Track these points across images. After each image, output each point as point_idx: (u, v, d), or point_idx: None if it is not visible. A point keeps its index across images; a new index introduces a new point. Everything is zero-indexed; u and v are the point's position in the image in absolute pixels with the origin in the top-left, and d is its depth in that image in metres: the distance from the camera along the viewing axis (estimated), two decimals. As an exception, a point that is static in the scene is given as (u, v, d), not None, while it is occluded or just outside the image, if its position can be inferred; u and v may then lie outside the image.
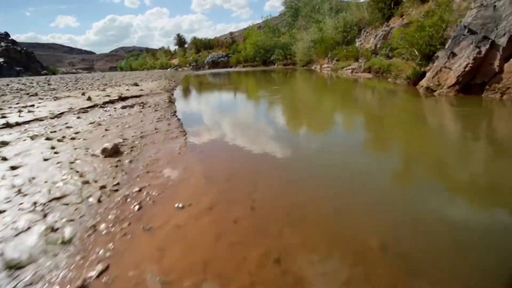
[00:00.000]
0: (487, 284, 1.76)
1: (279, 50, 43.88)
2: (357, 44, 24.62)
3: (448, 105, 7.34)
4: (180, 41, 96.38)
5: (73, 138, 5.03)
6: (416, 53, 11.12)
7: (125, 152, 4.27)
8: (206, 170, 3.63)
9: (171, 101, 8.06)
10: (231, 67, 55.40)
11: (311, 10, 36.41)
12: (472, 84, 7.98)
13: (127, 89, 11.95)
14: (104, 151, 4.13)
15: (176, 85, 15.55)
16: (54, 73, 57.69)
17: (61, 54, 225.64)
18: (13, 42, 51.95)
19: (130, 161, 3.90)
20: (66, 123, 6.18)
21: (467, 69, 7.80)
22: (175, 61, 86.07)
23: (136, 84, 14.37)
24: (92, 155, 4.16)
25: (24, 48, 63.90)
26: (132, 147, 4.47)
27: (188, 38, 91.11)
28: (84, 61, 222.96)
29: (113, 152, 4.15)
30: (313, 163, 3.90)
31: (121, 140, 4.74)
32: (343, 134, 5.71)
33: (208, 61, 59.44)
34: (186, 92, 13.33)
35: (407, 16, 17.12)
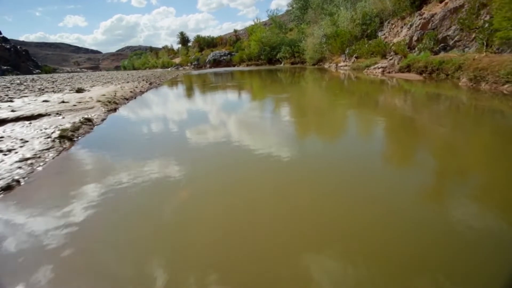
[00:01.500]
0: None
1: (286, 47, 39.81)
2: (379, 37, 20.51)
3: None
4: (184, 39, 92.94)
5: None
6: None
7: None
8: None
9: (70, 138, 4.29)
10: (234, 65, 51.51)
11: (323, 2, 32.21)
12: None
13: (45, 100, 7.60)
14: None
15: (147, 89, 11.89)
16: (47, 72, 54.88)
17: (68, 54, 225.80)
18: (4, 39, 49.14)
19: None
20: None
21: None
22: (177, 60, 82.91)
23: (80, 90, 9.97)
24: None
25: (19, 47, 61.27)
26: None
27: (193, 37, 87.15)
28: (90, 60, 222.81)
29: None
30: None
31: None
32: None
33: (210, 59, 55.64)
34: (145, 106, 8.77)
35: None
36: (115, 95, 8.74)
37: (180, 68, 66.02)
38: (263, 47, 44.87)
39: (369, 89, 10.56)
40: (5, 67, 39.48)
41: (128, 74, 25.64)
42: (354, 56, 20.03)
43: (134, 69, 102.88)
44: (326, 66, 27.26)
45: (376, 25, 22.67)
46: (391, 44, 16.37)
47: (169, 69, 68.53)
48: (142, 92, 10.85)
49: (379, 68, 14.07)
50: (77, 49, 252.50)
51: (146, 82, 14.19)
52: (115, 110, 7.06)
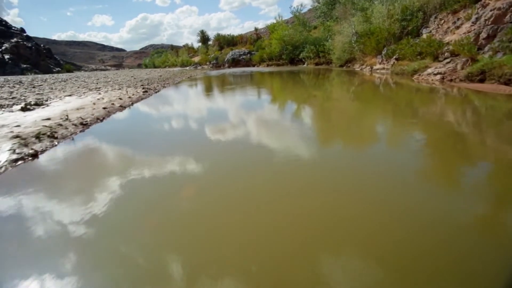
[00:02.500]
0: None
1: (310, 46, 36.80)
2: (424, 35, 17.29)
3: None
4: (204, 38, 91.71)
5: None
6: None
7: None
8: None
9: None
10: (253, 65, 49.08)
11: (353, -5, 28.95)
12: None
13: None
14: None
15: (136, 100, 9.37)
16: (68, 71, 55.14)
17: (94, 52, 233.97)
18: (27, 38, 49.64)
19: None
20: None
21: None
22: (197, 59, 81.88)
23: (27, 108, 7.07)
24: None
25: (42, 45, 62.25)
26: None
27: (214, 35, 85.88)
28: (114, 58, 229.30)
29: None
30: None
31: None
32: None
33: (228, 59, 53.53)
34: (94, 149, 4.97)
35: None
36: (67, 118, 6.23)
37: (199, 67, 64.58)
38: (285, 46, 42.07)
39: (445, 111, 6.68)
40: (24, 66, 39.34)
41: (132, 76, 23.40)
42: (394, 57, 16.95)
43: (155, 67, 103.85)
44: (356, 68, 24.16)
45: (418, 21, 19.38)
46: (447, 43, 13.22)
47: (187, 68, 67.39)
48: (122, 108, 7.83)
49: (435, 75, 11.00)
50: (103, 47, 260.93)
51: (143, 88, 11.92)
52: (33, 157, 4.17)
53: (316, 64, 35.85)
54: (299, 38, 40.46)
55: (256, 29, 75.72)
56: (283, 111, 7.89)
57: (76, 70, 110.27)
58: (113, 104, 7.99)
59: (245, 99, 10.24)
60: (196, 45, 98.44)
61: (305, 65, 38.07)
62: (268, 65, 44.79)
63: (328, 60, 34.24)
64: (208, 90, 13.46)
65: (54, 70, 46.71)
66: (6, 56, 38.90)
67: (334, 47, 28.88)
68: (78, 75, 32.70)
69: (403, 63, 15.10)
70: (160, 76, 24.02)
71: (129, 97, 9.36)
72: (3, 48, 41.36)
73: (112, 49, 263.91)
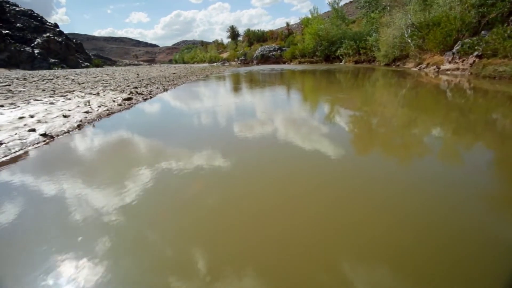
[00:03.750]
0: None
1: (350, 41, 32.55)
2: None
3: None
4: (233, 33, 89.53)
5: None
6: None
7: None
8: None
9: None
10: (284, 62, 45.53)
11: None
12: None
13: None
14: None
15: (98, 117, 5.82)
16: (97, 66, 55.45)
17: (129, 47, 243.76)
18: (59, 33, 50.28)
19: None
20: None
21: None
22: (225, 55, 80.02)
23: None
24: None
25: (75, 40, 63.51)
26: None
27: (244, 31, 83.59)
28: (147, 53, 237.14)
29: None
30: None
31: None
32: None
33: (257, 55, 50.35)
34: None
35: None
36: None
37: (226, 64, 62.36)
38: (320, 41, 38.01)
39: None
40: (53, 60, 39.31)
41: (137, 74, 20.41)
42: (475, 54, 12.75)
43: (184, 62, 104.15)
44: (409, 67, 19.89)
45: (505, 6, 14.82)
46: None
47: (214, 64, 65.53)
48: (48, 139, 4.35)
49: None
50: (138, 43, 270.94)
51: (131, 92, 8.63)
52: None
53: (356, 62, 31.59)
54: (336, 32, 36.22)
55: (287, 24, 71.78)
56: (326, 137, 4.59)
57: (110, 65, 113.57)
58: (46, 124, 4.99)
59: (279, 89, 7.01)
60: (226, 41, 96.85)
61: (342, 63, 33.90)
62: (300, 63, 41.02)
63: (370, 58, 29.89)
64: (218, 97, 10.14)
65: (83, 65, 46.82)
66: (36, 51, 39.03)
67: (380, 43, 24.63)
68: (89, 71, 31.05)
69: (495, 61, 10.96)
70: (174, 73, 21.17)
71: (87, 113, 6.23)
72: (35, 43, 41.70)
73: (146, 45, 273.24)
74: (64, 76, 19.96)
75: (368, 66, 27.39)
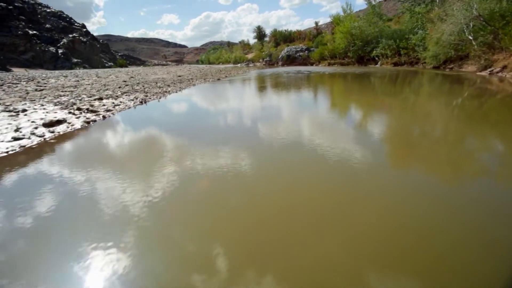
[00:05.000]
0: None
1: (388, 41, 28.60)
2: None
3: None
4: (260, 34, 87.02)
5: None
6: None
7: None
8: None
9: None
10: (311, 64, 42.13)
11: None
12: None
13: None
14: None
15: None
16: (121, 66, 55.41)
17: (159, 48, 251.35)
18: (86, 33, 50.72)
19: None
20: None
21: None
22: (251, 56, 77.86)
23: None
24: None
25: (101, 40, 64.48)
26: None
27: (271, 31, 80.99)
28: (176, 54, 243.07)
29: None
30: None
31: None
32: None
33: (283, 55, 47.28)
34: None
35: None
36: None
37: (251, 65, 60.04)
38: (353, 41, 34.23)
39: None
40: (75, 60, 39.14)
41: (132, 76, 17.85)
42: None
43: (210, 63, 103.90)
44: (469, 70, 16.01)
45: None
46: None
47: (238, 65, 63.54)
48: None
49: None
50: (167, 44, 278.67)
51: (94, 106, 6.35)
52: None
53: (395, 64, 27.62)
54: (372, 31, 32.30)
55: (316, 24, 67.77)
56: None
57: (138, 65, 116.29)
58: None
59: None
60: (252, 41, 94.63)
61: (378, 65, 30.00)
62: (329, 64, 37.46)
63: (413, 60, 25.85)
64: (215, 113, 7.26)
65: (106, 65, 46.74)
66: (60, 51, 39.05)
67: (428, 41, 20.72)
68: (89, 72, 28.85)
69: None
70: (179, 76, 18.25)
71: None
72: (61, 43, 41.92)
73: (175, 45, 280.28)
74: (43, 78, 17.57)
75: (410, 69, 23.47)
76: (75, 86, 11.54)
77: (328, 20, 45.69)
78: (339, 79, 16.46)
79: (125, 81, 13.90)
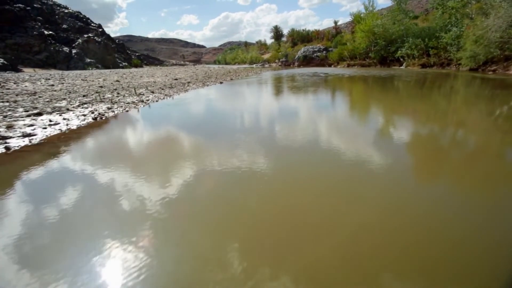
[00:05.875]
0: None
1: (415, 40, 25.89)
2: None
3: None
4: (277, 33, 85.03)
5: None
6: None
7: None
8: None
9: None
10: (329, 65, 39.74)
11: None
12: None
13: None
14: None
15: None
16: (136, 66, 55.17)
17: (178, 48, 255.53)
18: (102, 33, 50.81)
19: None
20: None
21: None
22: (267, 56, 76.08)
23: None
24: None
25: (118, 40, 64.81)
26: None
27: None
28: (194, 54, 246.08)
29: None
30: None
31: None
32: None
33: (299, 56, 45.05)
34: None
35: None
36: None
37: (266, 65, 58.24)
38: (375, 40, 31.63)
39: None
40: (88, 60, 38.90)
41: (117, 80, 16.46)
42: None
43: (226, 63, 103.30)
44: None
45: None
46: None
47: (253, 65, 61.92)
48: None
49: None
50: (186, 44, 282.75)
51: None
52: None
53: (423, 65, 24.89)
54: (397, 29, 29.58)
55: (335, 23, 64.77)
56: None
57: (156, 65, 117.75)
58: None
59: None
60: (269, 41, 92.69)
61: (403, 67, 27.32)
62: (348, 65, 35.00)
63: (444, 61, 23.09)
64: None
65: (121, 65, 46.46)
66: (74, 51, 38.96)
67: (465, 39, 18.09)
68: (82, 73, 27.51)
69: None
70: (175, 79, 16.01)
71: None
72: (76, 43, 41.96)
73: (194, 45, 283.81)
74: (15, 81, 15.28)
75: (442, 71, 20.79)
76: (35, 93, 9.63)
77: (348, 19, 42.97)
78: (363, 84, 14.29)
79: (101, 86, 12.12)
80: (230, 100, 9.46)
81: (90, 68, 37.30)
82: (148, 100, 8.46)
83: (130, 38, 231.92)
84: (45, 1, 46.86)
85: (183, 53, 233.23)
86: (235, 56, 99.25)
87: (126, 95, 9.42)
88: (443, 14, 23.77)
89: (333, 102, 8.15)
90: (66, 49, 38.81)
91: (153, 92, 10.16)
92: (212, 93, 11.32)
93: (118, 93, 9.75)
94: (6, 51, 33.43)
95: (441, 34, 22.54)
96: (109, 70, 31.55)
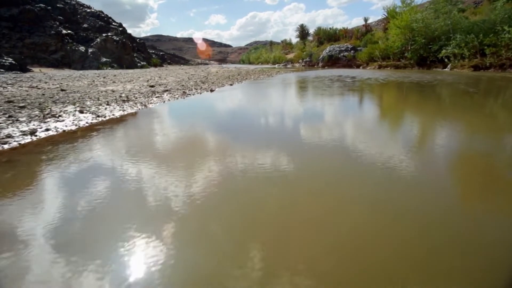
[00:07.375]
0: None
1: (464, 36, 21.42)
2: None
3: None
4: (303, 32, 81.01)
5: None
6: None
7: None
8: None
9: None
10: (358, 66, 35.64)
11: None
12: None
13: None
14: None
15: None
16: (155, 66, 54.31)
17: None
18: (121, 32, 50.28)
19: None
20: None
21: None
22: (291, 55, 72.56)
23: None
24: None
25: (139, 39, 64.53)
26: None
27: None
28: (220, 53, 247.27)
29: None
30: None
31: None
32: None
33: (324, 56, 41.14)
34: None
35: None
36: None
37: (288, 66, 54.93)
38: (412, 38, 27.22)
39: None
40: (104, 60, 38.00)
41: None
42: None
43: (250, 63, 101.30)
44: None
45: None
46: None
47: (276, 65, 58.80)
48: None
49: None
50: (213, 43, 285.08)
51: None
52: None
53: (475, 67, 20.40)
54: (440, 25, 25.05)
55: (365, 20, 59.59)
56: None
57: (182, 64, 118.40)
58: None
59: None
60: (295, 40, 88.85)
61: (447, 69, 22.87)
62: (380, 67, 30.80)
63: (505, 61, 18.60)
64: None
65: (139, 65, 45.48)
66: (90, 50, 38.27)
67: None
68: (82, 74, 25.63)
69: None
70: (176, 81, 13.72)
71: None
72: (95, 42, 41.39)
73: (220, 45, 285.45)
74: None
75: (505, 75, 16.46)
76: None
77: (379, 17, 38.34)
78: (405, 96, 10.76)
79: (44, 94, 9.20)
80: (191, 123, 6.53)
81: (105, 68, 36.35)
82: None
83: (159, 38, 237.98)
84: (68, 1, 47.10)
85: (209, 53, 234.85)
86: (258, 56, 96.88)
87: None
88: (504, 5, 19.18)
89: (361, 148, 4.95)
90: (82, 48, 38.25)
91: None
92: (164, 111, 8.49)
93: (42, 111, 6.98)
94: (23, 51, 33.24)
95: (502, 28, 18.09)
96: (118, 71, 29.84)
